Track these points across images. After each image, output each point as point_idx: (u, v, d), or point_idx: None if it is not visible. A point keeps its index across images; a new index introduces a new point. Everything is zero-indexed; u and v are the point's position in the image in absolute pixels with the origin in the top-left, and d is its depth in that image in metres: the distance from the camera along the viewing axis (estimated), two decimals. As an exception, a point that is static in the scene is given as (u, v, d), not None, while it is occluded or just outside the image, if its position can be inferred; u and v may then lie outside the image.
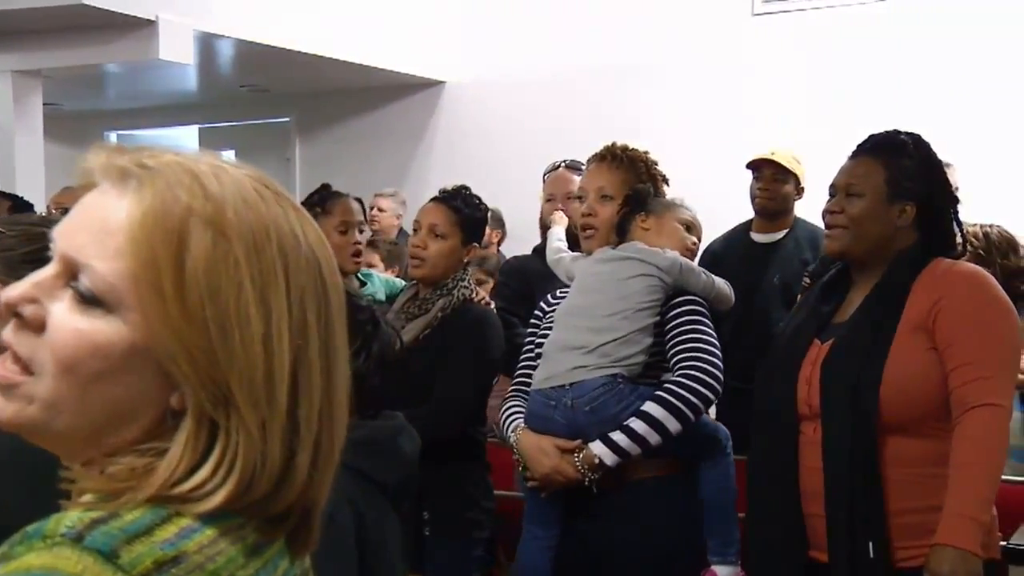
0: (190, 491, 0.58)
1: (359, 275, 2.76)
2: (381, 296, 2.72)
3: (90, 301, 0.58)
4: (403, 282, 2.48)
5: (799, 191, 3.03)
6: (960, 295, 1.63)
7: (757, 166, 3.03)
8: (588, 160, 2.11)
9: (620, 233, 1.99)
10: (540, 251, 2.65)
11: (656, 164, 2.07)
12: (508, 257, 3.50)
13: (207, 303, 0.57)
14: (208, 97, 6.04)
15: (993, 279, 1.68)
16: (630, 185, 2.00)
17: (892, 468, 1.62)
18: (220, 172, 0.60)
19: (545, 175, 2.62)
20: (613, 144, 2.08)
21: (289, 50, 4.59)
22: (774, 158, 2.99)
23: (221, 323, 0.57)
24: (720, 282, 1.94)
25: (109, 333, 0.58)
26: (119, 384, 0.59)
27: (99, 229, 0.59)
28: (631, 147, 2.06)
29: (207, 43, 4.47)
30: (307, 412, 0.60)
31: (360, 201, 2.74)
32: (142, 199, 0.58)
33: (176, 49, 4.09)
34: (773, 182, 2.99)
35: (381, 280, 2.83)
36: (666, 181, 2.08)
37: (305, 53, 4.66)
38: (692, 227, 2.00)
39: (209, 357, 0.57)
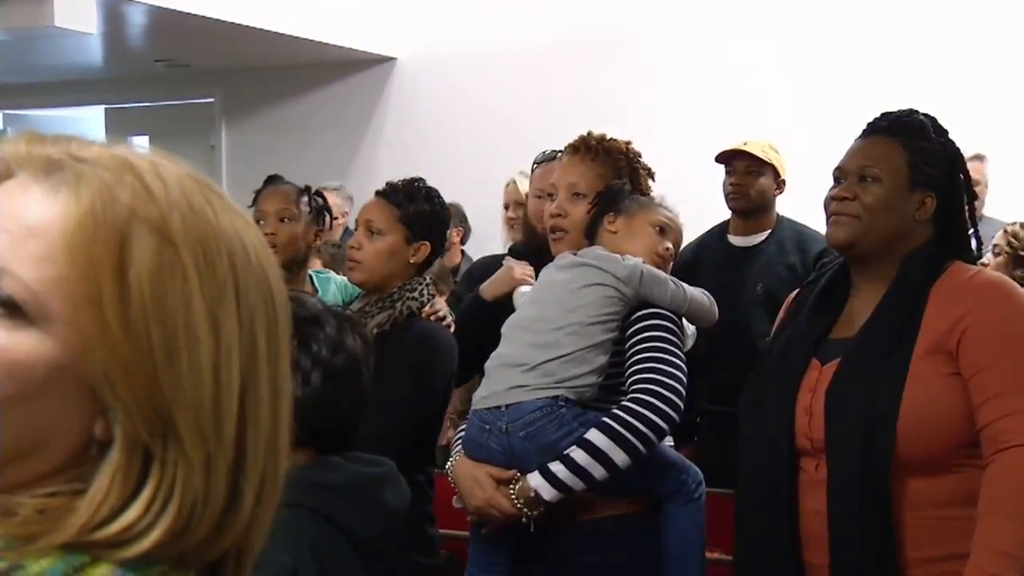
0: (117, 534, 0.56)
1: (314, 277, 2.71)
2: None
3: (8, 310, 0.57)
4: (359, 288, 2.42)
5: (779, 184, 3.02)
6: (988, 311, 1.60)
7: (728, 159, 3.02)
8: (562, 152, 2.09)
9: (589, 235, 1.97)
10: (515, 251, 2.61)
11: (639, 156, 2.05)
12: (476, 258, 3.45)
13: (151, 319, 0.57)
14: (116, 73, 5.97)
15: (1022, 290, 1.67)
16: (606, 181, 1.98)
17: (909, 511, 1.60)
18: (161, 170, 0.60)
19: (535, 166, 2.58)
20: (588, 134, 2.05)
21: (213, 19, 4.53)
22: (746, 148, 2.99)
23: (167, 342, 0.57)
24: (696, 294, 1.92)
25: (30, 348, 0.57)
26: (35, 409, 0.57)
27: (21, 229, 0.57)
28: (609, 137, 2.04)
29: (114, 9, 4.40)
30: (255, 444, 0.61)
31: (315, 193, 2.68)
32: (79, 197, 0.58)
33: (76, 15, 4.02)
34: (746, 175, 2.98)
35: (339, 284, 2.77)
36: (651, 176, 2.06)
37: (232, 23, 4.61)
38: (667, 230, 1.97)
39: (151, 381, 0.57)
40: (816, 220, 2.84)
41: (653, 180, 2.07)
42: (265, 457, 0.62)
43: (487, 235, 4.42)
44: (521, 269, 2.27)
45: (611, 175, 1.99)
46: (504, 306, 2.24)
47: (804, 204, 2.95)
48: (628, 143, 2.06)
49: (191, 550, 0.59)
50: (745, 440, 1.76)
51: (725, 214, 3.13)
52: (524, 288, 2.24)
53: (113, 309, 0.57)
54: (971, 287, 1.63)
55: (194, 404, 0.58)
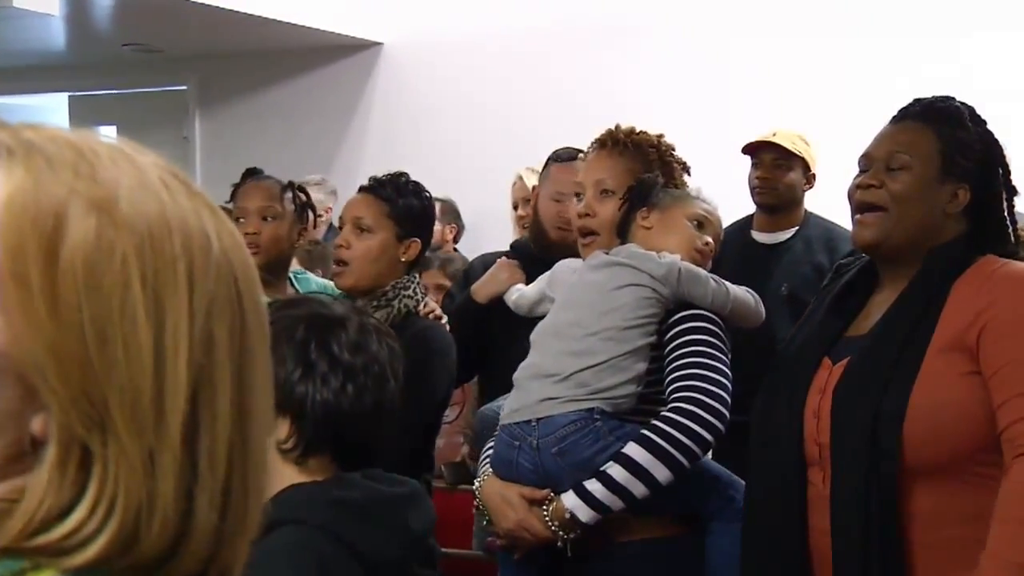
0: (60, 540, 0.56)
1: (293, 277, 2.68)
2: None
3: None
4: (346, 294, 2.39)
5: (809, 179, 3.01)
6: (1010, 304, 1.56)
7: (755, 150, 3.00)
8: (588, 148, 2.10)
9: (621, 234, 1.95)
10: (517, 249, 2.60)
11: (672, 150, 2.03)
12: (470, 258, 3.42)
13: (84, 302, 0.57)
14: (81, 58, 5.93)
15: None
16: (636, 176, 1.95)
17: (922, 529, 1.56)
18: (118, 155, 0.60)
19: (551, 163, 2.54)
20: (616, 127, 2.04)
21: (185, 0, 4.47)
22: (774, 140, 2.97)
23: (100, 327, 0.57)
24: (739, 292, 1.88)
25: None
26: None
27: None
28: (638, 130, 2.03)
29: (79, -12, 4.33)
30: (210, 447, 0.60)
31: (298, 188, 2.60)
32: (12, 175, 0.58)
33: (37, -5, 3.95)
34: (774, 169, 2.97)
35: (319, 285, 2.76)
36: (687, 170, 2.04)
37: (206, 5, 4.56)
38: (705, 224, 1.95)
39: (83, 367, 0.57)
40: (839, 216, 2.84)
41: (688, 174, 2.04)
42: (228, 465, 0.61)
43: (481, 232, 4.38)
44: (511, 271, 2.31)
45: (641, 169, 1.97)
46: (497, 306, 2.26)
47: (826, 199, 2.90)
48: (660, 136, 2.05)
49: (147, 566, 0.57)
50: (754, 447, 1.72)
51: (738, 211, 3.07)
52: (518, 286, 2.22)
53: (42, 290, 0.56)
54: (994, 279, 1.60)
55: (131, 393, 0.57)
